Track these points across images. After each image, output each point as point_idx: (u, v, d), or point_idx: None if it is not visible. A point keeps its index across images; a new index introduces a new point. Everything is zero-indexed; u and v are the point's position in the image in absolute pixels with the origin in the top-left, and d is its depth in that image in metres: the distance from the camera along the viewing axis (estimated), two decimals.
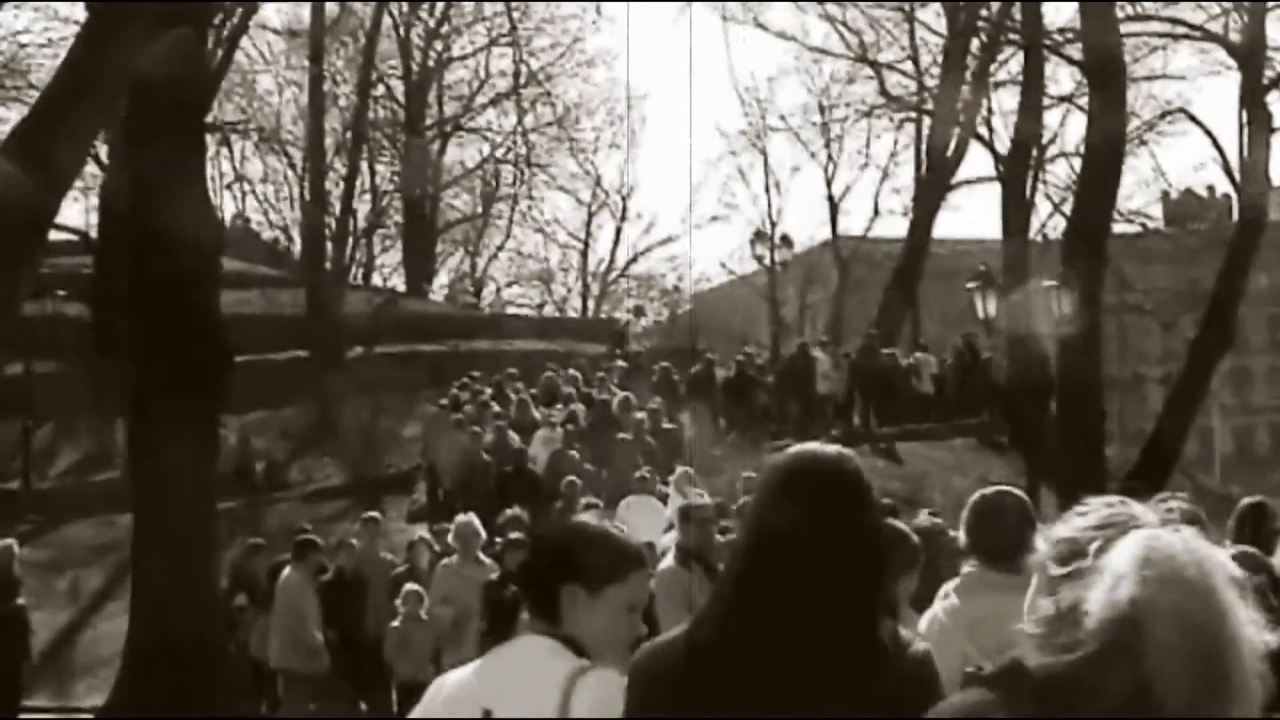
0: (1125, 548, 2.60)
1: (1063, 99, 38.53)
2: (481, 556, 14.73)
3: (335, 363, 37.46)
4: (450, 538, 15.24)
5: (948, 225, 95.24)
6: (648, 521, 18.10)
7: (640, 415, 26.18)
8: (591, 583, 3.90)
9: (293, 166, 52.27)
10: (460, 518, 15.22)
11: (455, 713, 3.91)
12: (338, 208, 47.50)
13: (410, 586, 14.78)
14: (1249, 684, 2.51)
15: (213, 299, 18.83)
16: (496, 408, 27.22)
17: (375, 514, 18.22)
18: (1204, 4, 33.73)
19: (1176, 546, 2.57)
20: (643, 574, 4.10)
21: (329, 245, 44.72)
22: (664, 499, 20.11)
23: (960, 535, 6.03)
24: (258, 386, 34.51)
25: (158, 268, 17.23)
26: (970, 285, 26.58)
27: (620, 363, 33.63)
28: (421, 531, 18.71)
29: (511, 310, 57.61)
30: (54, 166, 14.18)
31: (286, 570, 15.68)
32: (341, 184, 47.14)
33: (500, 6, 53.26)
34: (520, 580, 4.13)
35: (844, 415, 31.84)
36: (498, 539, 15.48)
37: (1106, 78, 26.38)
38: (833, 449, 3.57)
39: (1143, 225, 43.31)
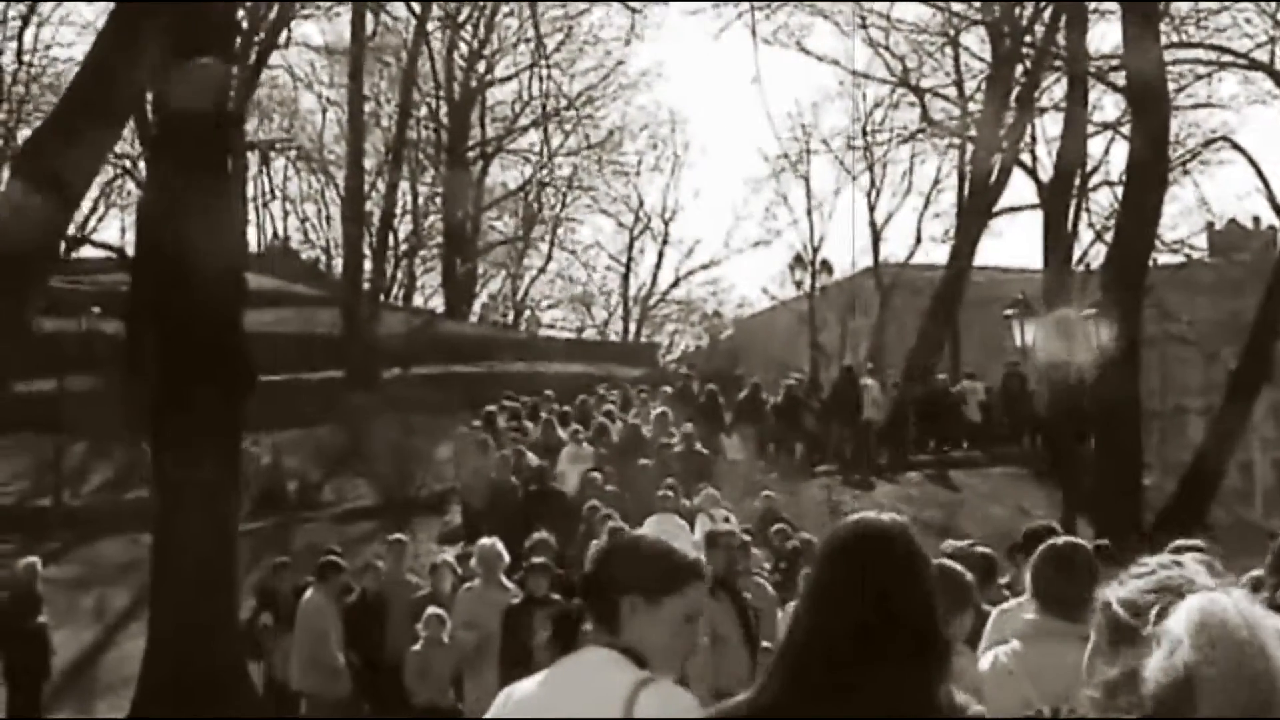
0: (1182, 613, 2.65)
1: (1107, 126, 38.30)
2: (505, 580, 14.57)
3: (370, 383, 37.34)
4: (473, 561, 15.09)
5: (990, 253, 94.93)
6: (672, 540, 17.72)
7: (674, 438, 25.98)
8: (651, 594, 4.02)
9: (334, 186, 52.48)
10: (483, 541, 15.07)
11: None
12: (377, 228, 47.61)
13: (432, 610, 14.59)
14: None
15: (236, 319, 18.72)
16: (528, 426, 27.16)
17: (401, 536, 18.05)
18: (1249, 32, 33.43)
19: (1230, 611, 2.61)
20: (700, 585, 4.20)
21: (367, 265, 44.58)
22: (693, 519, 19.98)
23: (1025, 579, 6.19)
24: (292, 406, 34.48)
25: (180, 288, 17.15)
26: (1008, 313, 26.31)
27: (665, 387, 33.52)
28: (445, 555, 18.52)
29: (551, 333, 57.42)
30: (62, 184, 14.06)
31: (309, 591, 15.55)
32: (382, 204, 47.23)
33: (545, 27, 53.37)
34: (582, 592, 4.27)
35: (893, 442, 31.67)
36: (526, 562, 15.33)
37: (1149, 105, 26.13)
38: (887, 519, 3.67)
39: (1186, 255, 43.09)
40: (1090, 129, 36.79)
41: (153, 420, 17.93)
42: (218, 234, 17.68)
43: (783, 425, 31.35)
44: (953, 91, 43.11)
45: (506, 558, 14.74)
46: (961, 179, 44.51)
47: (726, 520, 19.37)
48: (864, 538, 3.61)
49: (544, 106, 54.75)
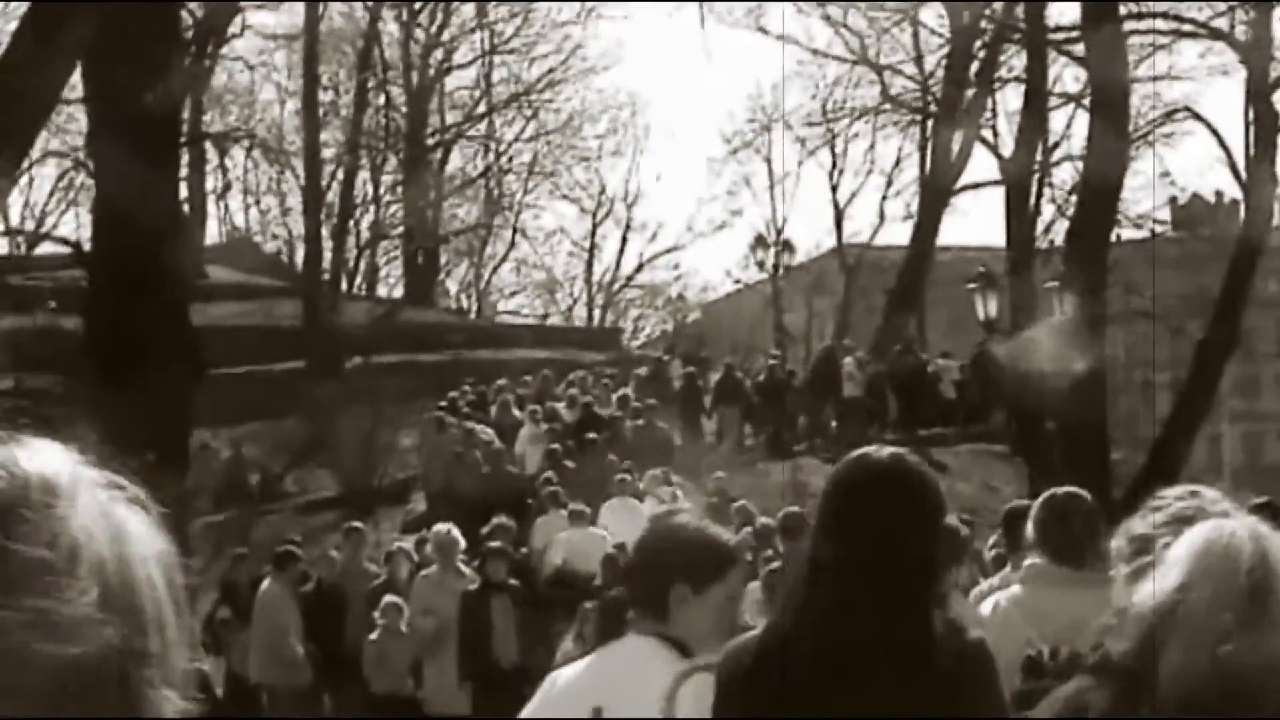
0: (1185, 539, 2.73)
1: (1068, 98, 38.07)
2: (461, 566, 14.36)
3: (332, 373, 37.02)
4: (428, 548, 14.87)
5: (954, 232, 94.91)
6: (628, 523, 18.06)
7: (636, 418, 25.94)
8: (697, 582, 4.09)
9: (295, 176, 52.06)
10: (438, 527, 14.90)
11: (567, 710, 4.13)
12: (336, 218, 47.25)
13: (389, 599, 14.37)
14: None
15: (182, 312, 18.44)
16: (491, 410, 27.17)
17: (359, 524, 17.81)
18: (1208, 1, 33.25)
19: (1239, 534, 2.67)
20: (739, 569, 4.37)
21: (326, 255, 44.20)
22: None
23: (1028, 531, 6.39)
24: (255, 398, 34.29)
25: (126, 279, 16.88)
26: (971, 286, 26.15)
27: (640, 369, 33.42)
28: (401, 542, 18.30)
29: (515, 320, 57.12)
30: None
31: (266, 582, 15.29)
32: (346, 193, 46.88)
33: (503, 11, 53.06)
34: (629, 582, 4.47)
35: (874, 419, 31.54)
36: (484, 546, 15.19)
37: (1108, 76, 25.96)
38: (894, 452, 3.81)
39: (1151, 230, 43.00)
40: (1051, 102, 36.61)
41: (98, 414, 17.59)
42: (164, 220, 17.41)
43: (764, 404, 31.20)
44: (912, 69, 42.97)
45: (462, 543, 14.53)
46: (923, 156, 44.38)
47: (674, 500, 19.34)
48: (869, 469, 3.72)
49: (486, 91, 54.45)
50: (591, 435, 24.08)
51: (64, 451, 1.37)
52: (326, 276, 43.39)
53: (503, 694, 12.30)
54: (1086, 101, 31.81)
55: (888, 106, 43.23)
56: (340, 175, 46.43)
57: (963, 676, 3.57)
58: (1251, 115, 31.03)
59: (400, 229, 53.48)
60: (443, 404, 28.41)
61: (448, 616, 13.63)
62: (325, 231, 44.25)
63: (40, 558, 1.24)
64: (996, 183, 38.43)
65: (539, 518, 19.92)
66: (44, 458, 1.34)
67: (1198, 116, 35.35)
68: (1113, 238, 45.08)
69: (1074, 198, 33.44)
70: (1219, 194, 48.50)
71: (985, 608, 6.27)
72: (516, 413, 27.05)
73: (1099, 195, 26.14)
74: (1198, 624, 2.58)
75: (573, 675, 4.27)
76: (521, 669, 13.87)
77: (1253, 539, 2.66)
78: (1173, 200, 46.14)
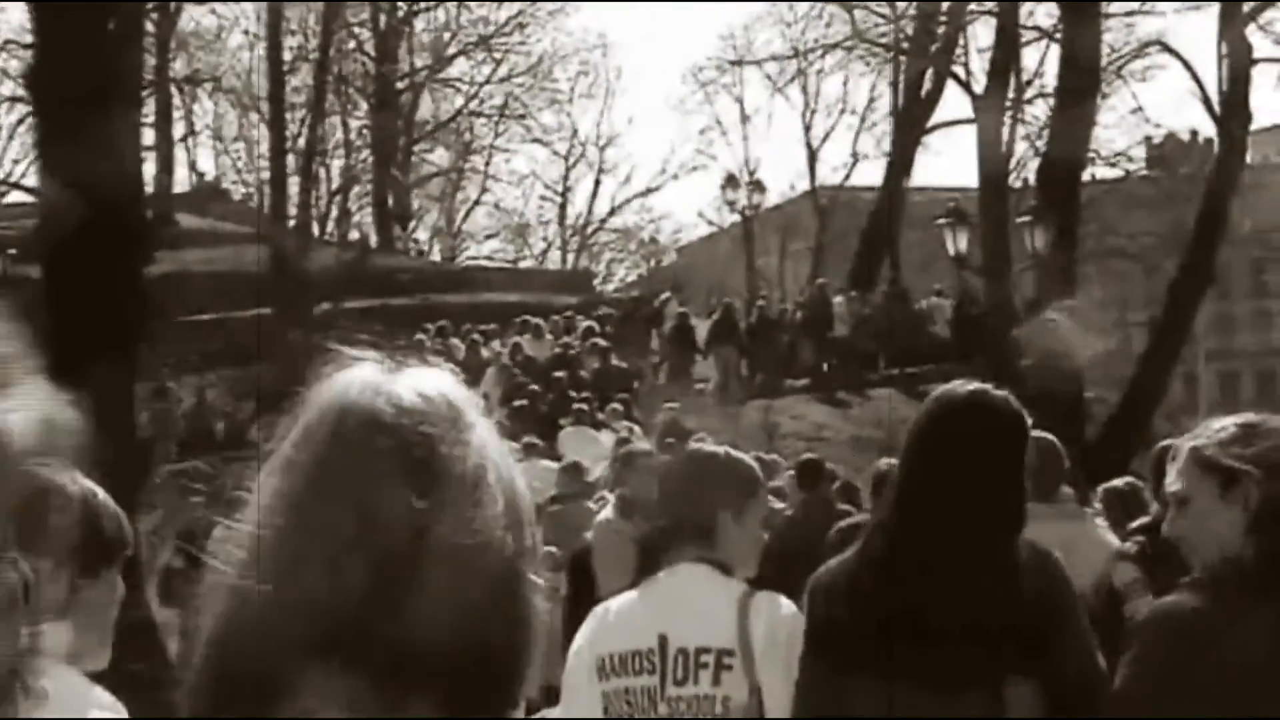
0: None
1: (1041, 34, 37.59)
2: None
3: (300, 319, 36.63)
4: None
5: (929, 173, 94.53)
6: (585, 451, 18.43)
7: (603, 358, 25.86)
8: (738, 507, 4.34)
9: (264, 122, 51.54)
10: None
11: (630, 640, 4.23)
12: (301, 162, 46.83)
13: None
14: None
15: (132, 260, 18.03)
16: (455, 344, 27.18)
17: None
18: None
19: None
20: (764, 489, 4.72)
21: (291, 199, 43.74)
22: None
23: None
24: (222, 344, 33.92)
25: (75, 227, 16.48)
26: (941, 221, 25.79)
27: (610, 310, 33.20)
28: None
29: (488, 264, 56.79)
30: None
31: (217, 530, 14.90)
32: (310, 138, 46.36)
33: None
34: (677, 511, 4.45)
35: (867, 358, 31.23)
36: None
37: (1080, 7, 25.61)
38: (979, 387, 4.04)
39: (1125, 170, 42.82)
40: (1024, 36, 36.21)
41: (48, 365, 17.25)
42: (112, 165, 16.99)
43: (757, 345, 30.93)
44: (884, 6, 42.48)
45: None
46: (895, 94, 43.97)
47: (630, 433, 19.50)
48: (962, 401, 3.96)
49: (455, 34, 54.02)
50: (558, 374, 24.05)
51: (451, 375, 1.55)
52: (294, 221, 42.86)
53: None
54: (1060, 36, 31.44)
55: (854, 41, 42.67)
56: (308, 120, 45.98)
57: (1048, 589, 3.89)
58: (1224, 49, 30.61)
59: (370, 174, 53.15)
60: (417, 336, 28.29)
61: None
62: (292, 175, 43.77)
63: (463, 470, 1.42)
64: (969, 120, 37.99)
65: None
66: (441, 381, 1.51)
67: (1171, 50, 35.01)
68: (1087, 176, 45.12)
69: (1046, 134, 33.10)
70: (1194, 133, 48.28)
71: None
72: (484, 353, 26.87)
73: (1070, 129, 25.82)
74: None
75: (628, 604, 4.39)
76: None
77: None
78: (1148, 140, 46.02)
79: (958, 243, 24.89)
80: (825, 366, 30.84)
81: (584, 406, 21.36)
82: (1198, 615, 3.42)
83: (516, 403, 22.04)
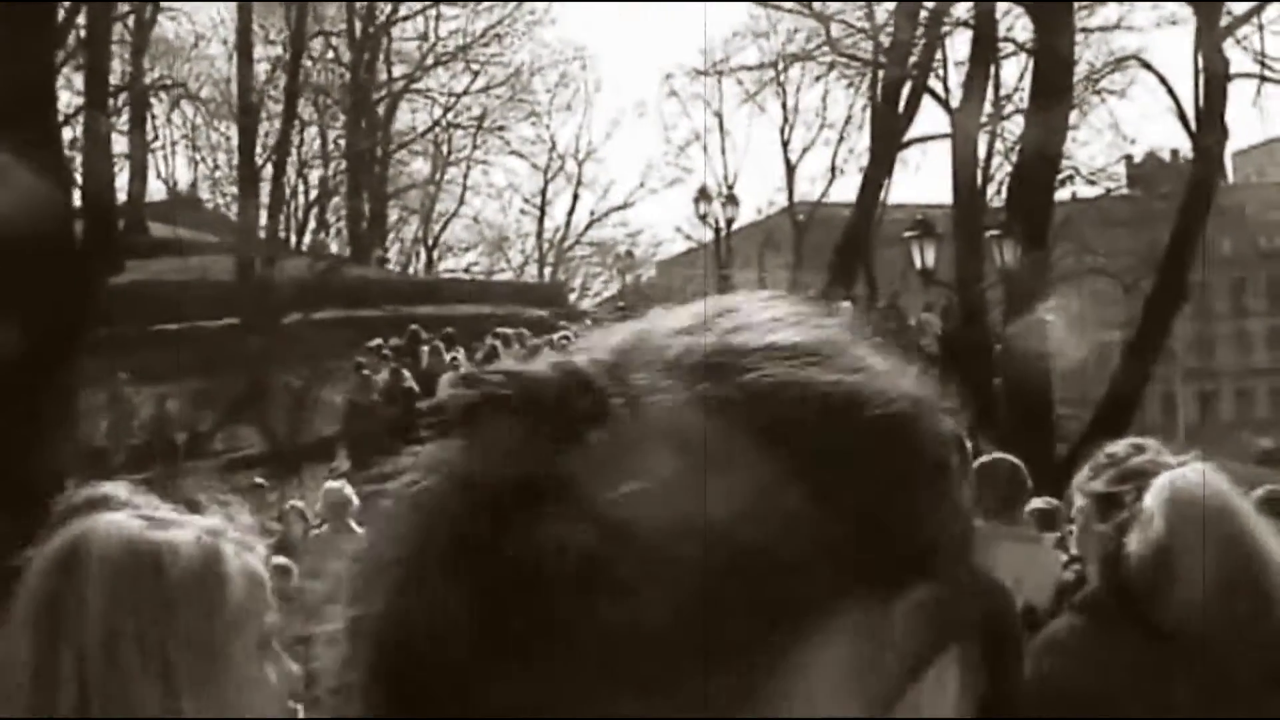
0: (1153, 490, 3.11)
1: (1018, 48, 37.31)
2: (354, 525, 13.57)
3: (267, 329, 36.28)
4: (319, 505, 14.09)
5: (909, 191, 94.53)
6: None
7: None
8: None
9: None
10: (330, 484, 14.06)
11: None
12: (290, 174, 46.63)
13: (278, 560, 13.57)
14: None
15: (68, 271, 17.68)
16: (421, 350, 27.65)
17: (261, 480, 17.08)
18: None
19: (1197, 483, 3.01)
20: None
21: (263, 209, 43.39)
22: None
23: None
24: (189, 354, 33.56)
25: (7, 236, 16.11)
26: (907, 234, 25.41)
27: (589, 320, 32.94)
28: (295, 500, 17.54)
29: (465, 276, 56.57)
30: None
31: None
32: (293, 149, 46.17)
33: None
34: None
35: None
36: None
37: (1053, 18, 25.36)
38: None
39: (1106, 189, 42.69)
40: (1003, 50, 35.98)
41: None
42: (43, 175, 16.65)
43: None
44: (866, 25, 42.22)
45: (355, 500, 13.71)
46: (874, 109, 43.69)
47: None
48: None
49: (432, 46, 53.73)
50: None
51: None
52: (261, 231, 42.53)
53: None
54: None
55: (827, 52, 42.34)
56: (290, 131, 45.73)
57: (991, 623, 3.59)
58: (1201, 64, 30.32)
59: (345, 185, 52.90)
60: (368, 348, 27.94)
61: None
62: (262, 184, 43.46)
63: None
64: (946, 135, 37.73)
65: None
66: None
67: (1147, 66, 34.78)
68: (1066, 195, 44.93)
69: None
70: (1175, 152, 48.14)
71: None
72: (447, 358, 26.67)
73: (1042, 138, 25.55)
74: (1190, 565, 2.92)
75: None
76: None
77: (1208, 484, 3.02)
78: (1128, 158, 45.92)
79: (925, 257, 24.51)
80: None
81: None
82: (1072, 636, 3.46)
83: None
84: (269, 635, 2.00)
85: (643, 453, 0.76)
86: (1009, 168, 39.18)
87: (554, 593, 0.74)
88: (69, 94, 41.18)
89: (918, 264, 24.85)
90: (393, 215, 59.02)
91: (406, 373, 24.98)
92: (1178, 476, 3.14)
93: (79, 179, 39.45)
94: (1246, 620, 2.98)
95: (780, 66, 46.10)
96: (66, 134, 40.55)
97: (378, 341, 28.62)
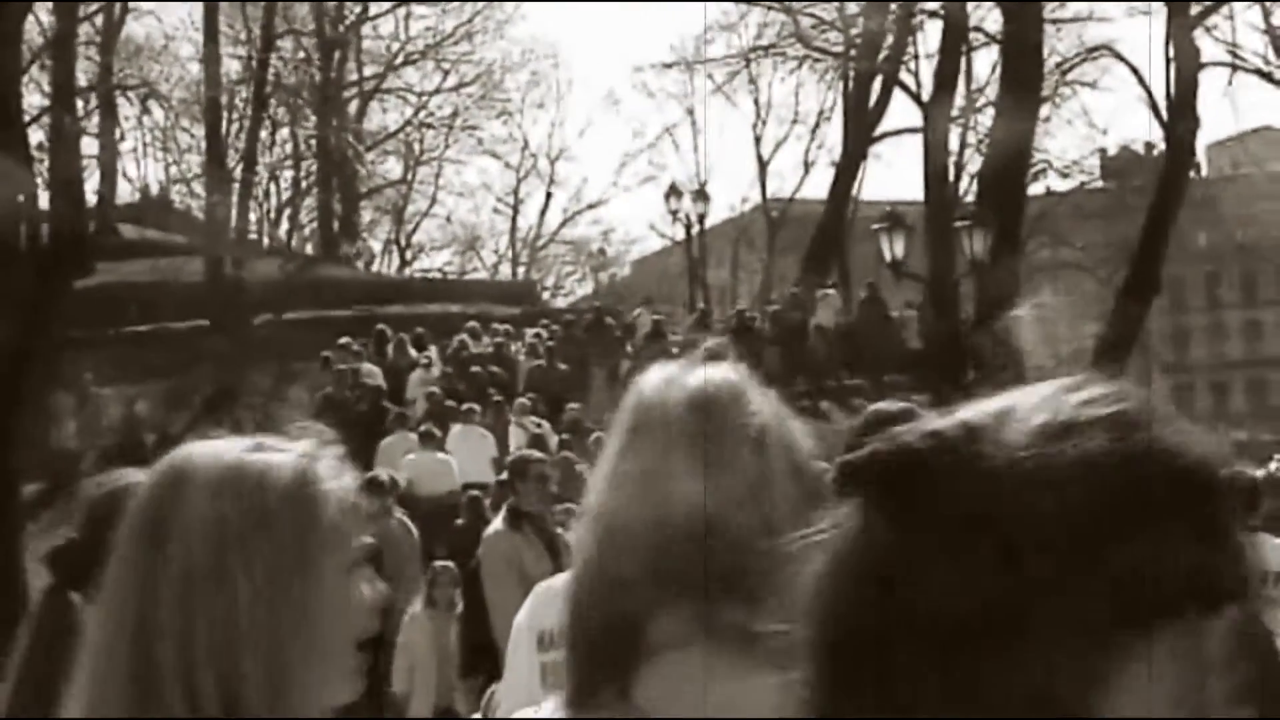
0: None
1: (989, 38, 37.20)
2: None
3: (237, 330, 36.07)
4: None
5: (882, 187, 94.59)
6: (474, 451, 19.40)
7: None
8: None
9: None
10: None
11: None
12: (262, 174, 46.52)
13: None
14: None
15: (34, 273, 17.54)
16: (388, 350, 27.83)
17: None
18: None
19: None
20: None
21: (231, 209, 43.13)
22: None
23: None
24: (158, 356, 33.36)
25: None
26: (876, 226, 25.19)
27: (569, 316, 32.90)
28: None
29: (431, 275, 56.50)
30: None
31: None
32: (265, 148, 46.09)
33: None
34: None
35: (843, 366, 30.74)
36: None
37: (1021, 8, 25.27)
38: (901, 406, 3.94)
39: (1081, 182, 42.70)
40: (974, 43, 35.90)
41: None
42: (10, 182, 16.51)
43: (740, 350, 30.22)
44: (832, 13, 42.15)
45: None
46: (846, 104, 43.62)
47: (539, 427, 19.65)
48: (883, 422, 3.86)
49: (404, 45, 53.57)
50: (475, 369, 24.05)
51: (731, 367, 2.06)
52: (231, 232, 42.31)
53: None
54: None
55: (796, 45, 42.15)
56: (262, 132, 45.69)
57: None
58: (1171, 53, 30.18)
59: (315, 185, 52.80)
60: (338, 345, 27.89)
61: None
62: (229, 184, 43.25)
63: (741, 435, 1.91)
64: (917, 129, 37.60)
65: (384, 440, 20.37)
66: (720, 371, 2.05)
67: (1119, 57, 34.69)
68: (1041, 189, 44.88)
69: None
70: (1149, 145, 48.15)
71: None
72: (413, 353, 26.79)
73: (1012, 127, 25.43)
74: None
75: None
76: (371, 640, 12.96)
77: None
78: (1102, 151, 45.96)
79: (895, 249, 24.29)
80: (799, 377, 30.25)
81: (474, 406, 21.20)
82: None
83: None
84: (357, 557, 2.12)
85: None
86: (974, 153, 39.28)
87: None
88: (37, 95, 41.13)
89: (887, 256, 24.63)
90: (366, 216, 58.92)
91: (371, 366, 24.93)
92: None
93: (46, 181, 39.39)
94: None
95: (751, 59, 45.92)
96: (35, 136, 40.73)
97: (346, 339, 28.36)
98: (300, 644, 1.96)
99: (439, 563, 12.43)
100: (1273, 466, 11.07)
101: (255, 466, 2.02)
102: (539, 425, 20.33)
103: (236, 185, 43.61)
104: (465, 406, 21.08)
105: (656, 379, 2.02)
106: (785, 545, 1.46)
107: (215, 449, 2.06)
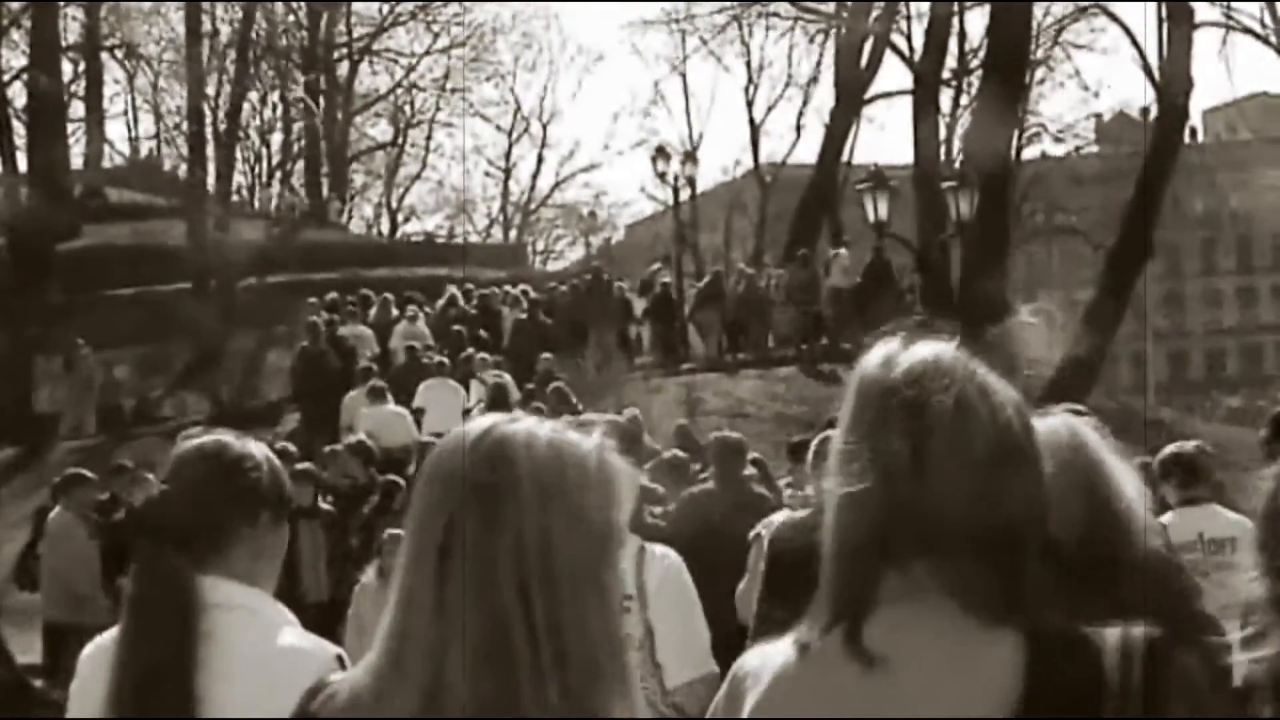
0: None
1: None
2: None
3: (220, 294, 35.67)
4: None
5: (873, 150, 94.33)
6: (444, 403, 19.40)
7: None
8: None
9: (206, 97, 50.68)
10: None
11: None
12: (254, 139, 46.19)
13: None
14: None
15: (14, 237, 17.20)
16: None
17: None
18: None
19: (1060, 430, 2.87)
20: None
21: (210, 171, 42.59)
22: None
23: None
24: (139, 320, 33.02)
25: None
26: (860, 186, 24.80)
27: (574, 280, 32.46)
28: None
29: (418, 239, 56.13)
30: None
31: (55, 510, 13.86)
32: (255, 112, 45.72)
33: None
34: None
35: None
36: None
37: None
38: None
39: (1076, 148, 42.51)
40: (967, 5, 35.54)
41: None
42: None
43: (744, 312, 30.06)
44: None
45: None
46: (837, 65, 43.18)
47: (499, 379, 19.45)
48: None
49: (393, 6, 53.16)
50: (456, 328, 24.09)
51: (940, 342, 2.16)
52: (210, 194, 41.84)
53: (311, 632, 11.00)
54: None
55: (786, 4, 41.78)
56: (253, 97, 45.37)
57: None
58: (1164, 12, 29.71)
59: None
60: (322, 302, 27.67)
61: None
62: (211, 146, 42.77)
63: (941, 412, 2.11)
64: (908, 91, 37.21)
65: (346, 395, 20.77)
66: (927, 347, 2.16)
67: (1112, 17, 34.30)
68: (1036, 153, 44.54)
69: None
70: (1145, 110, 47.83)
71: None
72: (395, 311, 26.93)
73: (1002, 90, 25.01)
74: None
75: None
76: (333, 603, 12.68)
77: (1065, 424, 2.87)
78: (1097, 116, 45.77)
79: (878, 209, 23.92)
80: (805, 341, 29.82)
81: (443, 359, 21.53)
82: None
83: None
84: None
85: None
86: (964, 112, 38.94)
87: None
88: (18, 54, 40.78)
89: (870, 216, 24.26)
90: (356, 180, 58.58)
91: (363, 328, 24.95)
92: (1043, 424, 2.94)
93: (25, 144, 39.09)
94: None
95: (740, 18, 45.43)
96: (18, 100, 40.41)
97: (314, 301, 28.08)
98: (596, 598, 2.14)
99: (390, 530, 12.02)
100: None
101: (568, 445, 2.18)
102: (499, 377, 20.06)
103: (213, 147, 42.95)
104: (436, 360, 21.28)
105: (878, 356, 2.17)
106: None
107: (531, 426, 2.20)
